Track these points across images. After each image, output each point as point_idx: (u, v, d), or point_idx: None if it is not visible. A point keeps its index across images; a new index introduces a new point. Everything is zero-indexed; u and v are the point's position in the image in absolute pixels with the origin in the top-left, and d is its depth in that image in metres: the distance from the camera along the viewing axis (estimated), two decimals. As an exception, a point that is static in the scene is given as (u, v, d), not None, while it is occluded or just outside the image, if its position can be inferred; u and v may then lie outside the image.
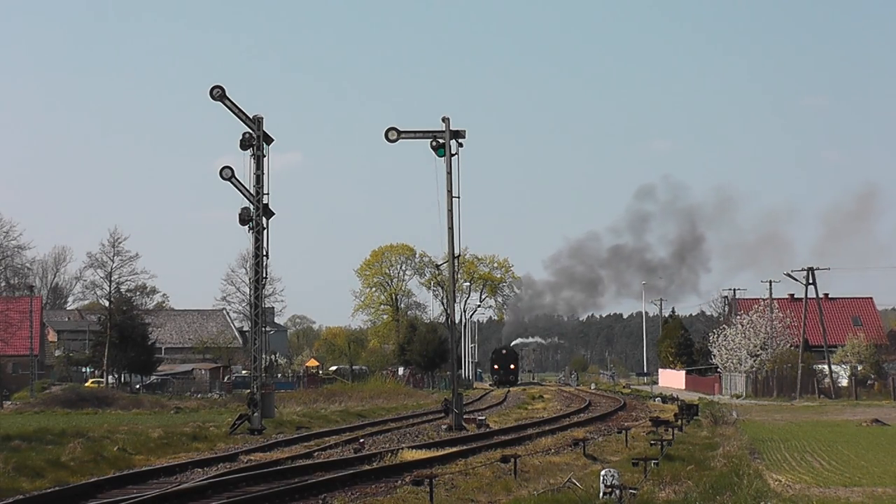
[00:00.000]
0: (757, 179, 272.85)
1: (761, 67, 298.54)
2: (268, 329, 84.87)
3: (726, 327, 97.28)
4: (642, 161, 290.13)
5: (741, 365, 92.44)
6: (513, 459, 25.30)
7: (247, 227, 42.59)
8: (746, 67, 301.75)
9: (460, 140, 43.89)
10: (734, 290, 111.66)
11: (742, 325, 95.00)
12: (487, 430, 41.19)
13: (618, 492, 19.74)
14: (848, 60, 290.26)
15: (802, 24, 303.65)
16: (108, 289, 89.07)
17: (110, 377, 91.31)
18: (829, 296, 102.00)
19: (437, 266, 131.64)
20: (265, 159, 42.71)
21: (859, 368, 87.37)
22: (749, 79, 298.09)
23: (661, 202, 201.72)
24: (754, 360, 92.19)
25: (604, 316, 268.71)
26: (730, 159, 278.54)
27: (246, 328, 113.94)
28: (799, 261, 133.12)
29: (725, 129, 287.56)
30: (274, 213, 42.98)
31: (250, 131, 42.49)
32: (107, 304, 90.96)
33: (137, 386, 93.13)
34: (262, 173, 42.62)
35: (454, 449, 31.68)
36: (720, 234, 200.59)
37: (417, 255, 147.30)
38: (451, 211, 43.67)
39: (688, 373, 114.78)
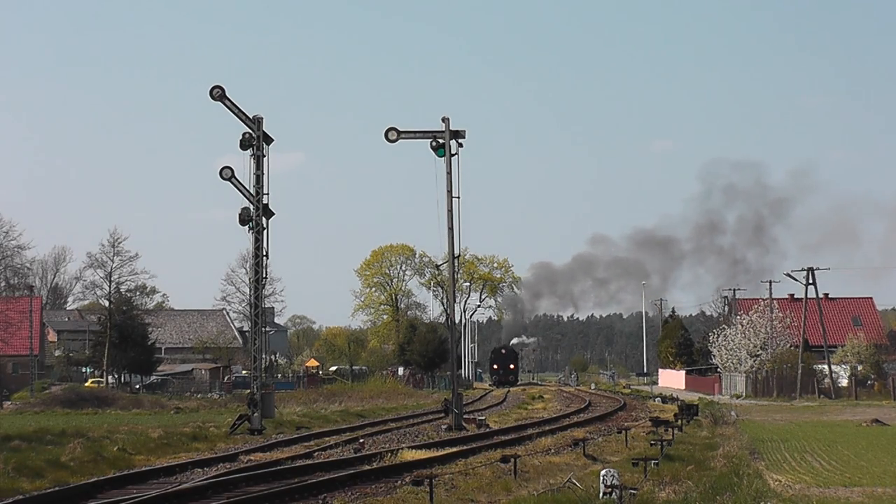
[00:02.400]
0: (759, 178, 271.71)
1: (763, 67, 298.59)
2: (268, 329, 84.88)
3: (726, 327, 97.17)
4: (643, 161, 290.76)
5: (741, 365, 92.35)
6: (513, 459, 25.28)
7: (247, 227, 42.59)
8: (748, 67, 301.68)
9: (460, 140, 43.91)
10: (734, 289, 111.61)
11: (742, 325, 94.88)
12: (487, 430, 41.15)
13: (618, 492, 19.74)
14: (851, 60, 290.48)
15: (805, 23, 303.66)
16: (108, 289, 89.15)
17: (110, 377, 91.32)
18: (829, 296, 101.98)
19: (437, 266, 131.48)
20: (265, 159, 42.75)
21: (859, 368, 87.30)
22: (751, 78, 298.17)
23: (732, 183, 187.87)
24: (754, 360, 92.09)
25: (604, 316, 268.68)
26: (731, 159, 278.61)
27: (246, 328, 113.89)
28: (864, 253, 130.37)
29: (727, 128, 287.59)
30: (274, 214, 43.02)
31: (250, 131, 42.49)
32: (107, 304, 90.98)
33: (137, 386, 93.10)
34: (262, 173, 42.63)
35: (454, 449, 31.65)
36: (790, 222, 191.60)
37: (417, 255, 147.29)
38: (451, 211, 43.69)
39: (688, 373, 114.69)
